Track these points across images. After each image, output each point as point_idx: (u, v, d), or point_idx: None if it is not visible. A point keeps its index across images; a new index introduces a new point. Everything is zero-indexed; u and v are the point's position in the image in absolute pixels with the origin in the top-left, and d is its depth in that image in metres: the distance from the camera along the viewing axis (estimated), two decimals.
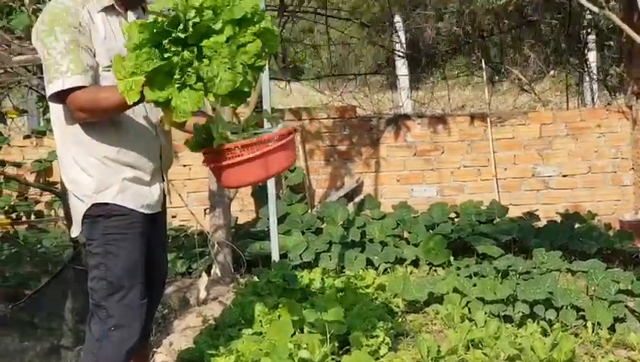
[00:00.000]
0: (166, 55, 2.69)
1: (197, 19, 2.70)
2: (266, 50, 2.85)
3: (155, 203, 3.33)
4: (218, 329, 5.21)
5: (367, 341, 4.70)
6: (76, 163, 3.20)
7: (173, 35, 2.70)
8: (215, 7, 2.73)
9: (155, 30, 2.70)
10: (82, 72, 3.03)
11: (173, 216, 8.42)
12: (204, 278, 6.41)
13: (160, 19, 2.70)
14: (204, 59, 2.71)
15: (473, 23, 12.18)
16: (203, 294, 6.23)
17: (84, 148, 3.17)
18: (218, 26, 2.73)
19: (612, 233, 7.52)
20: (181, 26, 2.70)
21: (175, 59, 2.69)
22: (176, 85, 2.71)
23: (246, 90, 2.78)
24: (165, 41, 2.70)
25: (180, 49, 2.70)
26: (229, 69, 2.71)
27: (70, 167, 3.23)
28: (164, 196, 3.45)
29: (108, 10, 3.22)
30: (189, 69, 2.70)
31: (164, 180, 3.44)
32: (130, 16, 3.30)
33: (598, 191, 8.70)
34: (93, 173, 3.18)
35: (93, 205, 3.19)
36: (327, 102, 10.81)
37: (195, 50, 2.72)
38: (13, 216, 6.59)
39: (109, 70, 3.00)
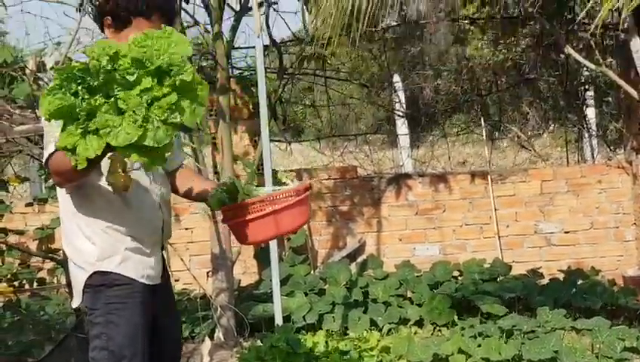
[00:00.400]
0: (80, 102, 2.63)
1: (109, 68, 2.64)
2: (187, 106, 2.71)
3: (155, 274, 3.31)
4: None
5: None
6: (79, 230, 3.19)
7: (88, 81, 2.64)
8: (138, 58, 2.66)
9: (65, 75, 2.65)
10: None
11: (176, 280, 8.40)
12: (207, 343, 6.38)
13: (74, 64, 2.65)
14: (122, 111, 2.63)
15: (471, 81, 12.28)
16: (206, 359, 6.19)
17: (88, 216, 3.17)
18: (133, 77, 2.65)
19: (616, 289, 7.49)
20: (92, 74, 2.64)
21: (82, 104, 2.62)
22: (79, 130, 2.63)
23: (152, 145, 2.63)
24: (79, 88, 2.64)
25: (94, 97, 2.64)
26: (134, 121, 2.61)
27: (73, 234, 3.22)
28: (165, 266, 3.45)
29: None
30: (96, 116, 2.62)
31: (163, 249, 3.44)
32: None
33: (601, 247, 8.68)
34: (96, 241, 3.17)
35: (94, 273, 3.17)
36: (328, 163, 10.85)
37: (113, 100, 2.64)
38: (16, 284, 6.59)
39: None
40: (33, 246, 7.81)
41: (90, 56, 2.65)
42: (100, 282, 3.18)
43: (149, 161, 2.71)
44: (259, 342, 6.28)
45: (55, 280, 7.28)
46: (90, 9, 6.34)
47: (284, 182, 3.29)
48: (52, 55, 6.07)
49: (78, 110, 2.63)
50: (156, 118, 2.63)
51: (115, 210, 3.17)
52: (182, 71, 2.69)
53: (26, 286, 6.76)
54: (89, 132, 2.64)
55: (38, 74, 5.75)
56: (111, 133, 2.60)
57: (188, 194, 3.52)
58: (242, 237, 3.23)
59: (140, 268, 3.23)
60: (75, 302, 3.30)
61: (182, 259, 7.42)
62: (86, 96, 2.64)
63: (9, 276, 6.49)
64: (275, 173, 6.09)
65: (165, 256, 3.48)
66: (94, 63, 2.64)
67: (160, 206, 3.34)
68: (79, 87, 2.65)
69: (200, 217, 8.00)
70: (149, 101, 2.65)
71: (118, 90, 2.66)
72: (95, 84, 2.64)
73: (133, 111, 2.61)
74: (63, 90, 2.65)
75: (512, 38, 11.01)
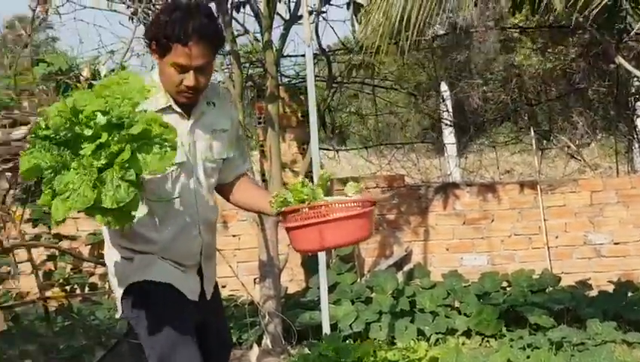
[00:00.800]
0: (49, 159, 2.53)
1: (67, 124, 2.52)
2: (154, 152, 2.57)
3: (189, 291, 3.26)
4: None
5: None
6: (115, 249, 3.23)
7: (55, 138, 2.54)
8: (101, 110, 2.54)
9: (34, 134, 2.56)
10: None
11: (223, 286, 8.40)
12: (255, 349, 6.41)
13: (39, 122, 2.57)
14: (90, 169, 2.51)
15: (520, 90, 12.21)
16: None
17: (122, 240, 3.19)
18: (89, 131, 2.54)
19: None
20: (54, 131, 2.53)
21: (47, 162, 2.53)
22: (48, 190, 2.55)
23: (112, 206, 2.53)
24: (50, 145, 2.54)
25: (60, 154, 2.54)
26: (90, 181, 2.49)
27: (110, 252, 3.26)
28: (204, 283, 3.36)
29: (166, 111, 3.12)
30: (59, 176, 2.53)
31: (202, 271, 3.34)
32: (190, 120, 3.19)
33: None
34: (130, 256, 3.19)
35: (130, 285, 3.18)
36: (375, 171, 10.86)
37: (80, 157, 2.53)
38: (68, 288, 6.67)
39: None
40: (85, 251, 7.89)
41: (51, 113, 2.56)
42: (136, 292, 3.19)
43: (114, 222, 2.62)
44: (306, 350, 6.30)
45: (106, 286, 7.35)
46: (142, 17, 6.42)
47: (347, 193, 3.13)
48: (106, 63, 6.15)
49: (43, 168, 2.54)
50: (116, 177, 2.52)
51: (150, 235, 3.16)
52: (132, 123, 2.55)
53: (78, 291, 6.84)
54: (55, 192, 2.56)
55: (93, 82, 5.82)
56: (70, 197, 2.51)
57: (242, 204, 3.47)
58: (302, 242, 3.04)
59: (174, 277, 3.20)
60: (118, 313, 3.33)
61: (230, 266, 7.46)
62: (54, 153, 2.55)
63: (61, 281, 6.57)
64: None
65: (211, 271, 3.41)
66: (55, 120, 2.54)
67: (200, 232, 3.27)
68: (49, 144, 2.55)
69: (247, 224, 8.03)
70: (108, 158, 2.53)
71: (87, 144, 2.55)
72: (61, 140, 2.55)
73: (88, 172, 2.51)
74: (37, 147, 2.56)
75: (562, 47, 10.95)
